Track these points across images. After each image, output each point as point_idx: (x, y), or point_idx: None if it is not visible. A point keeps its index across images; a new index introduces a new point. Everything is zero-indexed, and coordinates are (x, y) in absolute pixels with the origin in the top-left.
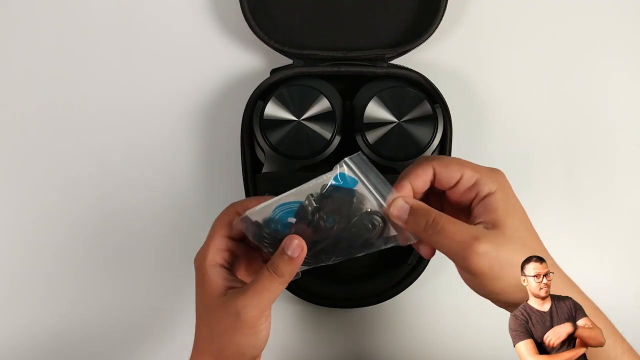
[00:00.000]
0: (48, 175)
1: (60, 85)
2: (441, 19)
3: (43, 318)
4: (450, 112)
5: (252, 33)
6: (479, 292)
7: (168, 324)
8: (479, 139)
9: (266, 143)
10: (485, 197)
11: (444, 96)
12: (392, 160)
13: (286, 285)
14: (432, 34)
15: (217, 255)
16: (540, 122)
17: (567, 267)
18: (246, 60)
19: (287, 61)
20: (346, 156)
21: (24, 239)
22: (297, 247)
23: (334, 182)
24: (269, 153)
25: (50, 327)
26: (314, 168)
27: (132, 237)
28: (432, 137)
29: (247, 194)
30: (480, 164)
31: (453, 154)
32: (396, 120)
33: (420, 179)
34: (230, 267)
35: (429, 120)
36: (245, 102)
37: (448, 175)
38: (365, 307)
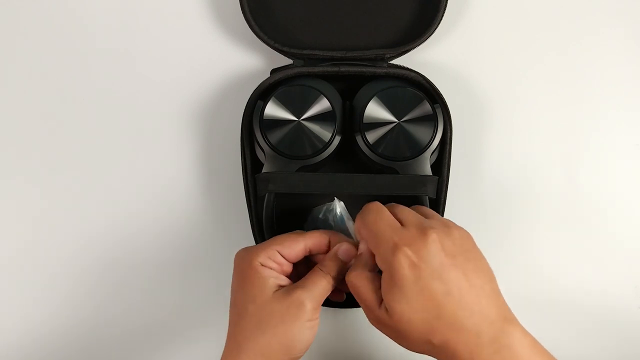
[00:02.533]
0: (48, 176)
1: (60, 85)
2: (441, 19)
3: (43, 321)
4: (450, 112)
5: (252, 33)
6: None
7: (167, 323)
8: (479, 139)
9: (266, 143)
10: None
11: (444, 96)
12: (392, 160)
13: (333, 287)
14: (432, 34)
15: (265, 260)
16: (540, 121)
17: (567, 268)
18: (246, 60)
19: (287, 61)
20: (346, 156)
21: (24, 239)
22: (348, 251)
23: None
24: (269, 153)
25: (49, 330)
26: (314, 168)
27: (131, 237)
28: (432, 137)
29: (247, 194)
30: (480, 165)
31: (453, 154)
32: (396, 120)
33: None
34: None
35: (429, 120)
36: (245, 102)
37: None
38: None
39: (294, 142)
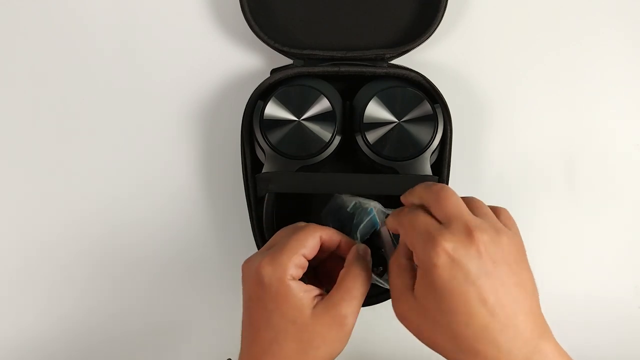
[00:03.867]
0: (47, 177)
1: (60, 85)
2: (441, 19)
3: (44, 325)
4: (450, 112)
5: (252, 33)
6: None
7: (167, 323)
8: (479, 139)
9: (266, 143)
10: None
11: (444, 96)
12: (392, 160)
13: (368, 288)
14: (432, 34)
15: (295, 270)
16: (540, 121)
17: (567, 267)
18: (246, 60)
19: (287, 61)
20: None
21: (19, 239)
22: (366, 251)
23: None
24: (269, 153)
25: (50, 335)
26: (314, 168)
27: (132, 237)
28: (432, 137)
29: (247, 194)
30: (480, 165)
31: (453, 154)
32: (396, 120)
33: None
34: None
35: (429, 120)
36: (245, 102)
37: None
38: (364, 307)
39: (294, 142)
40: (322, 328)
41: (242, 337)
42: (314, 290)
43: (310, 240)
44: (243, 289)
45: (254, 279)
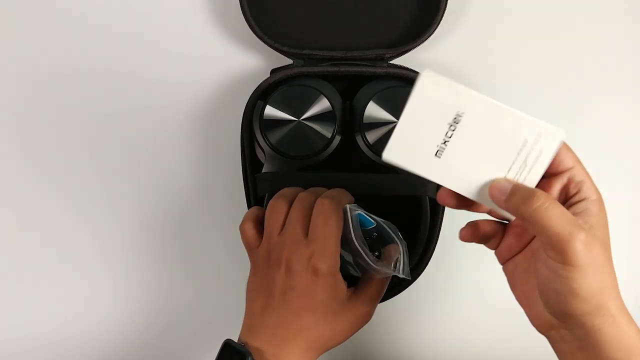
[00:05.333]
0: (48, 175)
1: (60, 85)
2: (441, 19)
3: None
4: None
5: (252, 33)
6: (557, 288)
7: (165, 323)
8: None
9: (266, 143)
10: (584, 199)
11: None
12: None
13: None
14: (432, 34)
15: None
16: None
17: None
18: (246, 60)
19: (287, 61)
20: (346, 156)
21: (24, 234)
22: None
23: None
24: (269, 153)
25: (50, 330)
26: (314, 168)
27: (132, 237)
28: None
29: (247, 194)
30: None
31: None
32: (396, 120)
33: None
34: None
35: None
36: (245, 102)
37: (562, 158)
38: None
39: (294, 142)
40: (351, 319)
41: (264, 325)
42: (343, 281)
43: (340, 222)
44: (278, 279)
45: (304, 270)
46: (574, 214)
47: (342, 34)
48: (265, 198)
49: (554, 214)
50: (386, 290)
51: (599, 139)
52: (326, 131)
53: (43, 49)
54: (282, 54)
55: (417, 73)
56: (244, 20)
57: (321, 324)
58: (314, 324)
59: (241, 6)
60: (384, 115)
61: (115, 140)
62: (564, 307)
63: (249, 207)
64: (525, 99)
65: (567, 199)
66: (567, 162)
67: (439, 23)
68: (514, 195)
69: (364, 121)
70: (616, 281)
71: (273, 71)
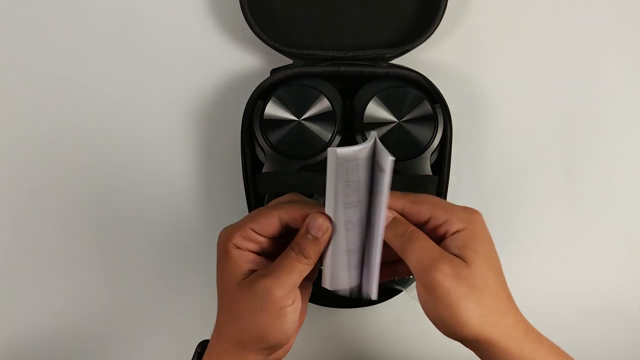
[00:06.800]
0: (47, 175)
1: (60, 85)
2: (441, 19)
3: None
4: (450, 112)
5: (252, 33)
6: (430, 315)
7: (168, 323)
8: (479, 139)
9: (266, 143)
10: (454, 233)
11: (444, 96)
12: None
13: (312, 266)
14: (432, 34)
15: (241, 241)
16: (539, 121)
17: (568, 268)
18: (246, 60)
19: (287, 61)
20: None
21: (20, 237)
22: (320, 226)
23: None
24: (269, 153)
25: (46, 327)
26: (314, 168)
27: (132, 236)
28: (432, 137)
29: (247, 194)
30: (480, 164)
31: (453, 154)
32: (396, 120)
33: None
34: (258, 253)
35: (429, 120)
36: (245, 102)
37: (417, 212)
38: (364, 307)
39: (294, 142)
40: (246, 298)
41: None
42: (257, 264)
43: (262, 217)
44: None
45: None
46: (447, 248)
47: (342, 34)
48: (266, 198)
49: (420, 245)
50: (386, 291)
51: (599, 138)
52: (326, 131)
53: (42, 48)
54: (282, 54)
55: (417, 73)
56: (244, 20)
57: (220, 305)
58: (219, 304)
59: (241, 6)
60: (384, 115)
61: (114, 140)
62: (442, 330)
63: (249, 207)
64: (525, 99)
65: (441, 241)
66: (422, 214)
67: (439, 23)
68: (391, 226)
69: (364, 121)
70: (509, 302)
71: (273, 71)
